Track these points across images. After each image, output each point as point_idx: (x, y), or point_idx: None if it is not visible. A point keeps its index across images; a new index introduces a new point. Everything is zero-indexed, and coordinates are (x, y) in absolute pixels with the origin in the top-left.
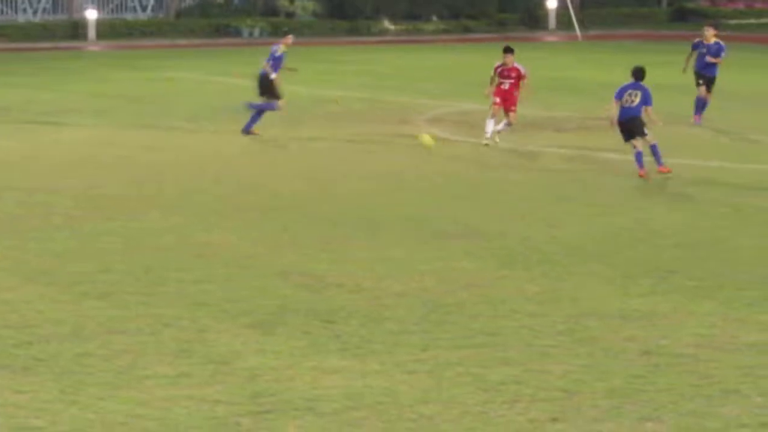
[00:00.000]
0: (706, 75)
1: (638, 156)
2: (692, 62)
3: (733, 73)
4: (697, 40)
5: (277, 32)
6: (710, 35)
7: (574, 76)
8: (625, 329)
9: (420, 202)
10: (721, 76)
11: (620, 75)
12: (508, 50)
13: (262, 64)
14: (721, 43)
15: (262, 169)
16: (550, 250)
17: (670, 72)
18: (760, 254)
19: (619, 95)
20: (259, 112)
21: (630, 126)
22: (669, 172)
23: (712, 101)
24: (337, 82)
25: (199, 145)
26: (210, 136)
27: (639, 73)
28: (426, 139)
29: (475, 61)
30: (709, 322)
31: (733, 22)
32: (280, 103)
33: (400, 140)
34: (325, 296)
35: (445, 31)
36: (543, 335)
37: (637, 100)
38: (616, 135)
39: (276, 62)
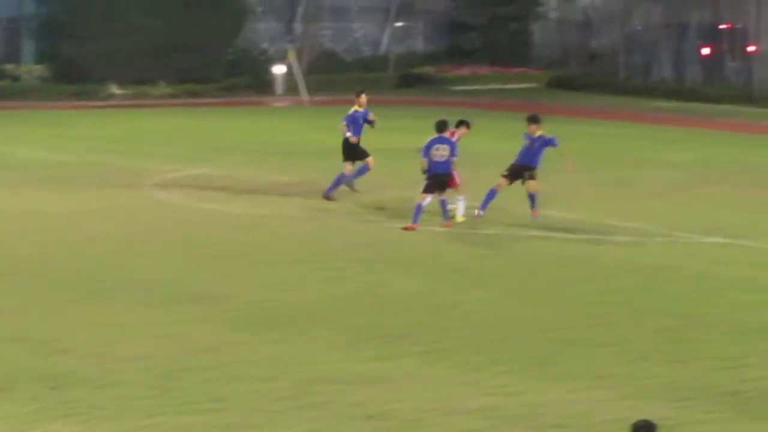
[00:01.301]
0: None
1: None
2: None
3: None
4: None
5: (2, 94)
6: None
7: (302, 140)
8: (353, 394)
9: (152, 266)
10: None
11: (339, 139)
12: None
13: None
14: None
15: None
16: (281, 314)
17: (396, 137)
18: (487, 318)
19: (426, 151)
20: (337, 181)
21: (442, 179)
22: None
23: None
24: (65, 147)
25: None
26: None
27: (442, 126)
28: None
29: (203, 125)
30: (436, 386)
31: (458, 88)
32: (369, 160)
33: (129, 204)
34: (54, 361)
35: (173, 96)
36: (272, 400)
37: (447, 154)
38: (354, 198)
39: (355, 125)
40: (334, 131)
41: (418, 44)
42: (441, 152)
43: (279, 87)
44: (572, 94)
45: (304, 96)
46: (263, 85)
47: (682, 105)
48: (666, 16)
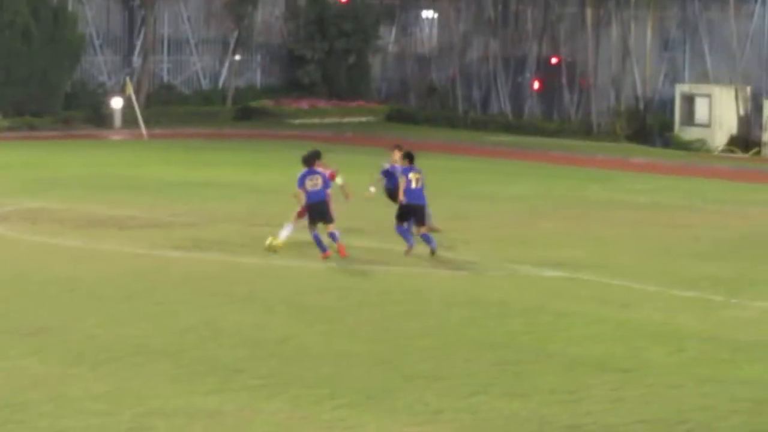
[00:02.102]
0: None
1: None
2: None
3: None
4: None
5: None
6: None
7: (140, 174)
8: (191, 428)
9: None
10: (279, 175)
11: (184, 172)
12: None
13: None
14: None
15: None
16: (117, 348)
17: (234, 171)
18: (325, 352)
19: (301, 183)
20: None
21: (321, 208)
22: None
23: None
24: None
25: None
26: None
27: (311, 159)
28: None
29: (40, 158)
30: (275, 420)
31: (297, 121)
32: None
33: None
34: None
35: (10, 129)
36: None
37: (320, 184)
38: (192, 232)
39: (388, 176)
40: (172, 165)
41: (257, 77)
42: (314, 182)
43: (117, 120)
44: (411, 127)
45: (141, 129)
46: (101, 118)
47: (520, 139)
48: (504, 49)
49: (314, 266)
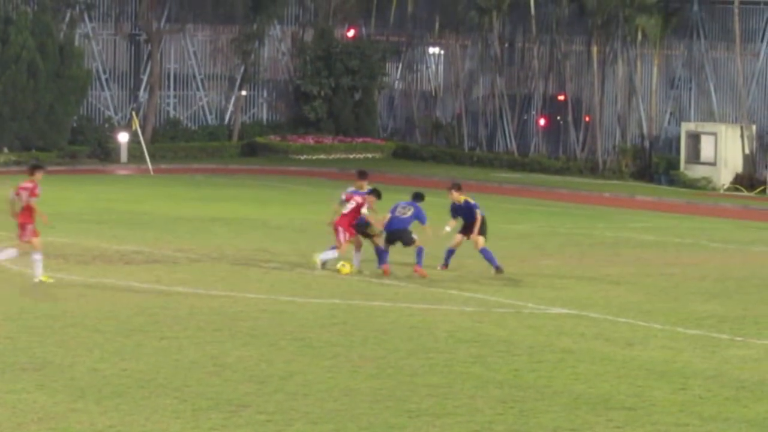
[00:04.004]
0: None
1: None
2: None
3: (299, 207)
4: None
5: None
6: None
7: (145, 209)
8: None
9: None
10: (283, 211)
11: (191, 208)
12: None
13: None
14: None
15: None
16: (121, 382)
17: (240, 206)
18: (330, 388)
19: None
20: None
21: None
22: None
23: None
24: None
25: None
26: None
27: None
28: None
29: (45, 193)
30: None
31: (302, 157)
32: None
33: None
34: None
35: (16, 163)
36: None
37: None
38: (197, 267)
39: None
40: (178, 200)
41: (263, 113)
42: (404, 211)
43: (123, 155)
44: (417, 164)
45: (146, 164)
46: (107, 153)
47: (526, 176)
48: (509, 87)
49: (318, 302)
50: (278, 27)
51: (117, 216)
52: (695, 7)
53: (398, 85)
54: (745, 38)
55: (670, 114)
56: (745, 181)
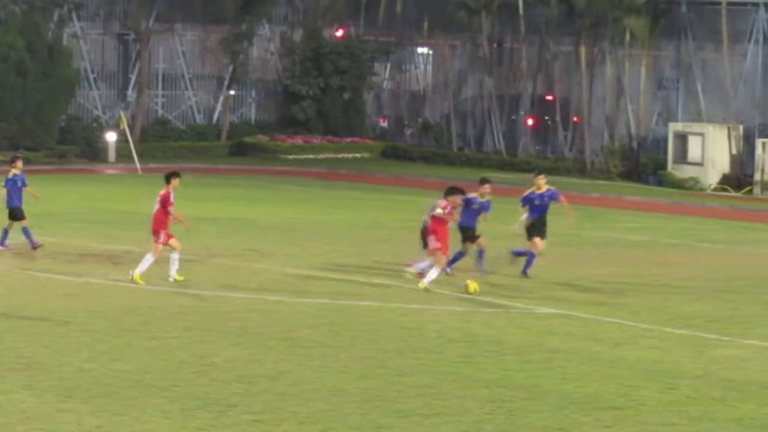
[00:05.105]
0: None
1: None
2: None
3: (289, 207)
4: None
5: None
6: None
7: (134, 208)
8: None
9: None
10: (272, 211)
11: (179, 207)
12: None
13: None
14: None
15: None
16: (110, 382)
17: (228, 205)
18: (318, 388)
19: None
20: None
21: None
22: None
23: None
24: None
25: None
26: None
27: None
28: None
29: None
30: None
31: (291, 157)
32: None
33: None
34: None
35: (4, 162)
36: None
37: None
38: (186, 267)
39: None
40: None
41: (252, 113)
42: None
43: (111, 155)
44: (406, 164)
45: (135, 164)
46: (96, 152)
47: (514, 176)
48: (498, 87)
49: (307, 302)
50: (267, 27)
51: (106, 215)
52: (683, 9)
53: (387, 85)
54: (733, 39)
55: (658, 114)
56: (733, 181)
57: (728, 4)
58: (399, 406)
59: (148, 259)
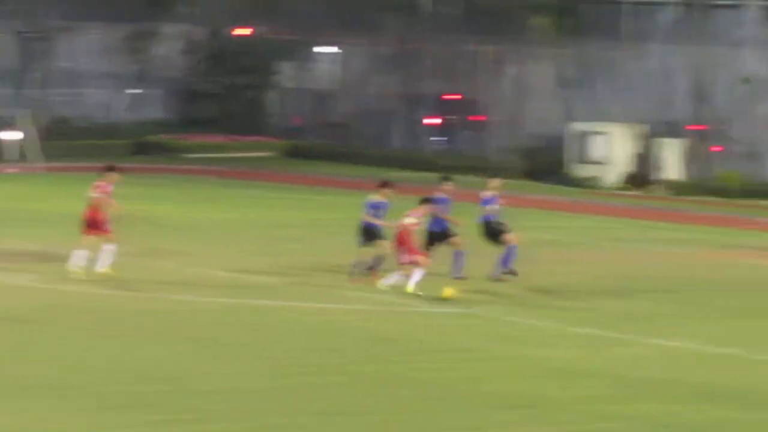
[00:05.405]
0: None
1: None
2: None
3: (190, 206)
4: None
5: None
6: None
7: (37, 207)
8: None
9: None
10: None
11: (79, 206)
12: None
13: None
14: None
15: None
16: (14, 383)
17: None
18: (227, 387)
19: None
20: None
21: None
22: None
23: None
24: None
25: None
26: None
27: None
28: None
29: None
30: None
31: (194, 155)
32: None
33: None
34: None
35: None
36: None
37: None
38: (90, 266)
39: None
40: (67, 198)
41: (154, 112)
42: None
43: (12, 153)
44: (308, 162)
45: (38, 162)
46: None
47: (418, 175)
48: (401, 86)
49: (215, 301)
50: (171, 25)
51: (4, 214)
52: (586, 8)
53: (291, 83)
54: (636, 38)
55: (562, 113)
56: (635, 180)
57: (631, 3)
58: (308, 405)
59: (79, 255)
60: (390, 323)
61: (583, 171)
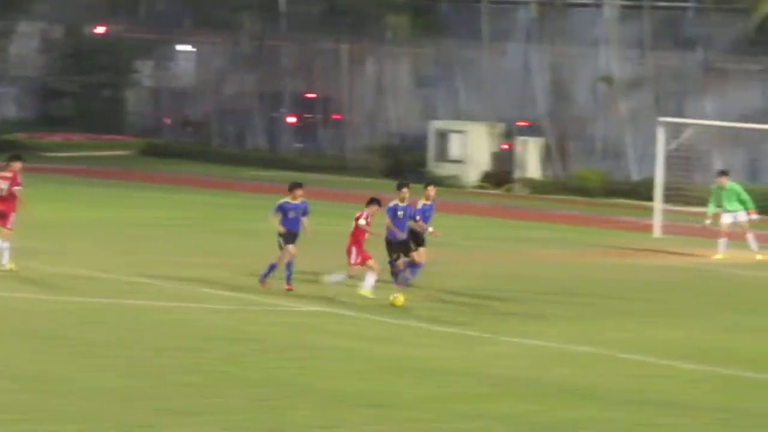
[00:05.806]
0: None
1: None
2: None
3: (48, 204)
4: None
5: None
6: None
7: None
8: None
9: None
10: (34, 208)
11: None
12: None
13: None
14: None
15: None
16: None
17: None
18: (84, 387)
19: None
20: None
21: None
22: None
23: None
24: None
25: None
26: None
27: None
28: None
29: None
30: None
31: (50, 154)
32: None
33: None
34: None
35: None
36: None
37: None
38: None
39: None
40: None
41: (11, 110)
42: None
43: None
44: (166, 161)
45: None
46: None
47: (276, 173)
48: (260, 85)
49: (74, 300)
50: (27, 23)
51: None
52: (444, 7)
53: (148, 82)
54: (493, 37)
55: (422, 112)
56: (493, 178)
57: (489, 2)
58: (162, 404)
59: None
60: (251, 323)
61: (443, 170)
